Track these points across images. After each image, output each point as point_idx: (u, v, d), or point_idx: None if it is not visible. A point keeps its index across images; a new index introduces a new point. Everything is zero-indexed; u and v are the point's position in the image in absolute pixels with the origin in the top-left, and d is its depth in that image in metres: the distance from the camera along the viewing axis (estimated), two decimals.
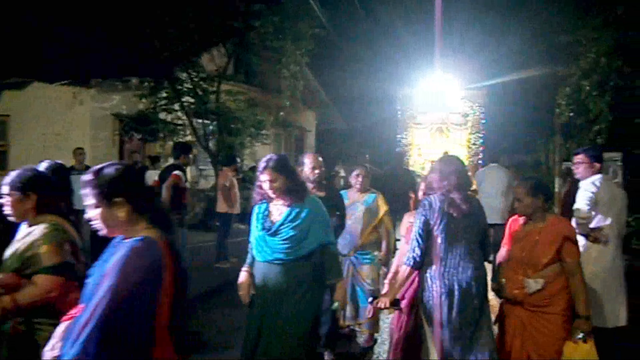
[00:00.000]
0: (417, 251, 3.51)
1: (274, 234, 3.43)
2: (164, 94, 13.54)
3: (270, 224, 3.48)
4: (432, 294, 3.44)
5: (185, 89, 13.70)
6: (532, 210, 3.48)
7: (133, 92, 13.15)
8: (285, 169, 3.46)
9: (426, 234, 3.50)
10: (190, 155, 8.61)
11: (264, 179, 3.45)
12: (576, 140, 15.75)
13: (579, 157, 4.56)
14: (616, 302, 4.52)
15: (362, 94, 22.43)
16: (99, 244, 2.35)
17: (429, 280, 3.48)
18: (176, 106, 13.72)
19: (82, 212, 7.56)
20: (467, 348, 3.39)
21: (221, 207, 9.05)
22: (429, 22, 15.41)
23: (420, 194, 4.06)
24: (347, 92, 23.11)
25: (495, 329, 3.69)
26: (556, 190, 16.90)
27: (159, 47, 12.30)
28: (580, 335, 3.25)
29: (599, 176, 4.43)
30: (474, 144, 13.74)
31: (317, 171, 4.64)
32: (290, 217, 3.43)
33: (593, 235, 4.29)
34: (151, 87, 13.15)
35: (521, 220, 3.65)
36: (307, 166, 4.65)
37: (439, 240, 3.45)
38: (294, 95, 16.96)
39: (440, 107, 14.21)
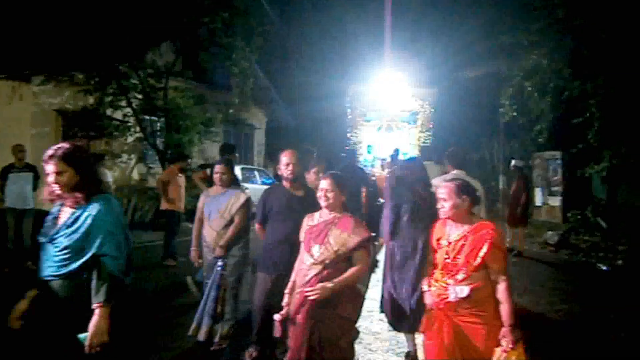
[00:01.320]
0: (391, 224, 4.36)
1: (51, 241, 2.79)
2: (111, 90, 13.16)
3: (52, 229, 2.84)
4: (396, 249, 4.27)
5: (132, 85, 13.37)
6: (456, 212, 3.29)
7: (78, 87, 12.70)
8: (76, 161, 2.82)
9: (397, 215, 4.29)
10: (237, 154, 8.93)
11: (49, 170, 2.78)
12: (519, 138, 16.32)
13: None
14: None
15: (312, 91, 22.48)
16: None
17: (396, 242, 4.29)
18: (123, 102, 13.37)
19: (23, 211, 7.24)
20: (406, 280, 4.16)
21: (163, 204, 8.85)
22: (379, 21, 15.61)
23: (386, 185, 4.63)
24: (297, 89, 23.13)
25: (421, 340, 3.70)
26: (500, 187, 17.45)
27: (104, 41, 11.92)
28: (507, 344, 3.07)
29: (455, 171, 5.28)
30: (423, 142, 13.96)
31: (290, 167, 4.40)
32: (68, 222, 2.79)
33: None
34: (96, 82, 12.74)
35: (448, 223, 3.40)
36: (282, 163, 4.46)
37: (404, 219, 4.24)
38: (243, 93, 16.82)
39: (390, 105, 14.37)
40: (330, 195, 3.58)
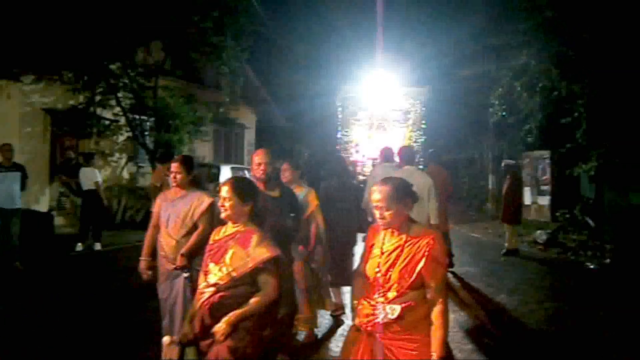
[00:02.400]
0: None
1: None
2: (100, 89, 13.09)
3: None
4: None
5: (121, 84, 13.30)
6: (396, 219, 2.69)
7: (67, 86, 12.60)
8: None
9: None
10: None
11: None
12: (508, 138, 16.40)
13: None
14: None
15: (302, 90, 22.49)
16: None
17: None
18: (113, 102, 13.30)
19: (11, 211, 7.18)
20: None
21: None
22: (370, 20, 15.63)
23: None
24: (288, 89, 23.11)
25: None
26: (490, 186, 17.54)
27: (94, 40, 11.84)
28: None
29: (406, 167, 5.94)
30: (415, 142, 13.94)
31: (262, 167, 4.21)
32: None
33: None
34: (85, 81, 12.65)
35: (382, 231, 2.82)
36: (253, 162, 4.28)
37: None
38: (233, 92, 16.78)
39: (381, 104, 14.36)
40: (227, 204, 2.97)
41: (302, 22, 23.08)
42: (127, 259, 9.67)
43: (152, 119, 14.16)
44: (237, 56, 14.84)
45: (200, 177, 4.63)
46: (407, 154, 6.27)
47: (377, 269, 2.70)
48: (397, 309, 2.61)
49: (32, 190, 11.20)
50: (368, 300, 2.73)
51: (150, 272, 4.40)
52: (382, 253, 2.72)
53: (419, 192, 5.74)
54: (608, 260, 9.58)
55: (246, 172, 15.77)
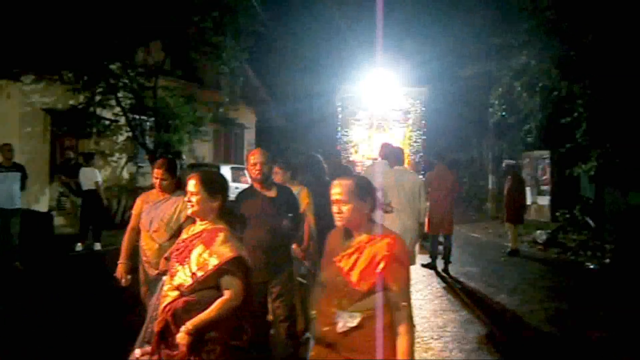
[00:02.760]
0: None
1: None
2: (100, 89, 13.08)
3: None
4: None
5: (121, 84, 13.29)
6: (354, 218, 2.48)
7: (67, 86, 12.59)
8: None
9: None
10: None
11: None
12: (508, 138, 16.41)
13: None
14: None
15: (302, 91, 22.49)
16: None
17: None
18: (113, 102, 13.30)
19: (10, 211, 7.17)
20: None
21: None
22: (370, 20, 15.62)
23: None
24: (288, 89, 23.12)
25: None
26: (489, 187, 17.54)
27: (94, 40, 11.83)
28: None
29: (396, 167, 5.97)
30: (415, 142, 13.93)
31: (258, 167, 4.12)
32: None
33: (384, 209, 4.69)
34: (84, 81, 12.64)
35: (342, 232, 2.61)
36: (249, 162, 4.21)
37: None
38: (233, 92, 16.77)
39: (381, 103, 14.35)
40: (194, 199, 2.74)
41: (301, 21, 23.07)
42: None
43: (152, 119, 14.15)
44: (236, 56, 14.82)
45: (182, 179, 4.50)
46: (397, 154, 6.29)
47: (336, 273, 2.48)
48: (358, 315, 2.38)
49: (32, 190, 11.20)
50: (327, 308, 2.49)
51: (129, 277, 4.30)
52: (342, 257, 2.50)
53: (410, 191, 5.97)
54: (608, 260, 9.58)
55: (246, 172, 15.82)
